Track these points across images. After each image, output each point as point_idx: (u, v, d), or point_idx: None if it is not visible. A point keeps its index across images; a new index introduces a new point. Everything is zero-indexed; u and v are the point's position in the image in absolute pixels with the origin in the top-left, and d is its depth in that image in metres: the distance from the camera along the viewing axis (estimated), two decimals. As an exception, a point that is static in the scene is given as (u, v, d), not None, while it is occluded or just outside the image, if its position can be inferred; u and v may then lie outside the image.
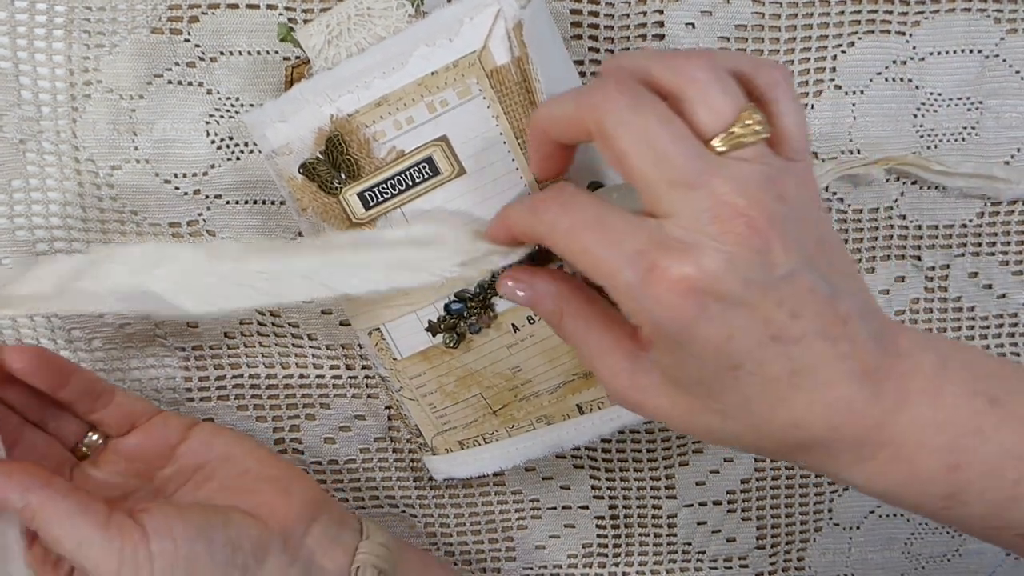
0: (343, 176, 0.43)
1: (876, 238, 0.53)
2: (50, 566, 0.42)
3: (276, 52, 0.48)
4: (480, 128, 0.42)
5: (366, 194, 0.43)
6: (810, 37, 0.50)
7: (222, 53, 0.48)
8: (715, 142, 0.33)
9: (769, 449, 0.37)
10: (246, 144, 0.49)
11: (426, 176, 0.43)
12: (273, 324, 0.52)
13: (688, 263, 0.32)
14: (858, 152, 0.51)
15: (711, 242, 0.32)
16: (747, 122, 0.33)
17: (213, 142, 0.49)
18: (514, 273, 0.41)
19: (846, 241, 0.53)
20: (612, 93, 0.34)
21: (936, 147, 0.52)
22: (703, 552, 0.58)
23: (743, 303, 0.33)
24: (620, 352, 0.38)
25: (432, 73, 0.41)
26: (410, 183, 0.43)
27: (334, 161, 0.43)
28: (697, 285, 0.32)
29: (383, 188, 0.43)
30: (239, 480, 0.46)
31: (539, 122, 0.38)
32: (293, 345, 0.52)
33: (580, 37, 0.49)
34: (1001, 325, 0.56)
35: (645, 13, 0.49)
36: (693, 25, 0.49)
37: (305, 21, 0.47)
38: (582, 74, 0.49)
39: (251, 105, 0.48)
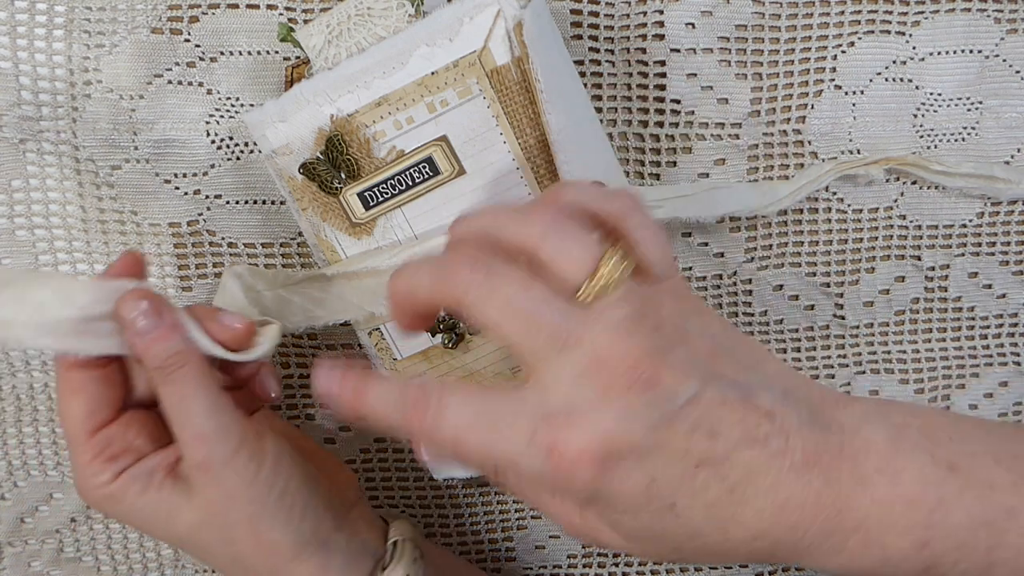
0: (343, 176, 0.43)
1: (876, 238, 0.53)
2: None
3: (276, 52, 0.48)
4: (480, 128, 0.42)
5: (366, 194, 0.43)
6: (810, 37, 0.50)
7: (222, 53, 0.48)
8: (580, 294, 0.33)
9: (745, 559, 0.36)
10: (246, 144, 0.49)
11: (426, 176, 0.43)
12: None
13: (584, 432, 0.32)
14: (858, 152, 0.51)
15: (599, 403, 0.32)
16: (608, 266, 0.33)
17: (213, 142, 0.49)
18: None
19: (846, 241, 0.53)
20: (464, 270, 0.33)
21: (936, 147, 0.52)
22: (703, 552, 0.58)
23: (654, 446, 0.32)
24: (566, 500, 0.35)
25: (432, 73, 0.41)
26: (410, 183, 0.43)
27: (334, 161, 0.43)
28: (600, 450, 0.31)
29: (383, 188, 0.43)
30: (304, 450, 0.46)
31: (399, 293, 0.36)
32: (293, 345, 0.52)
33: (580, 37, 0.49)
34: (1001, 325, 0.56)
35: (645, 13, 0.49)
36: (693, 25, 0.49)
37: (305, 21, 0.47)
38: (582, 74, 0.49)
39: (251, 105, 0.48)
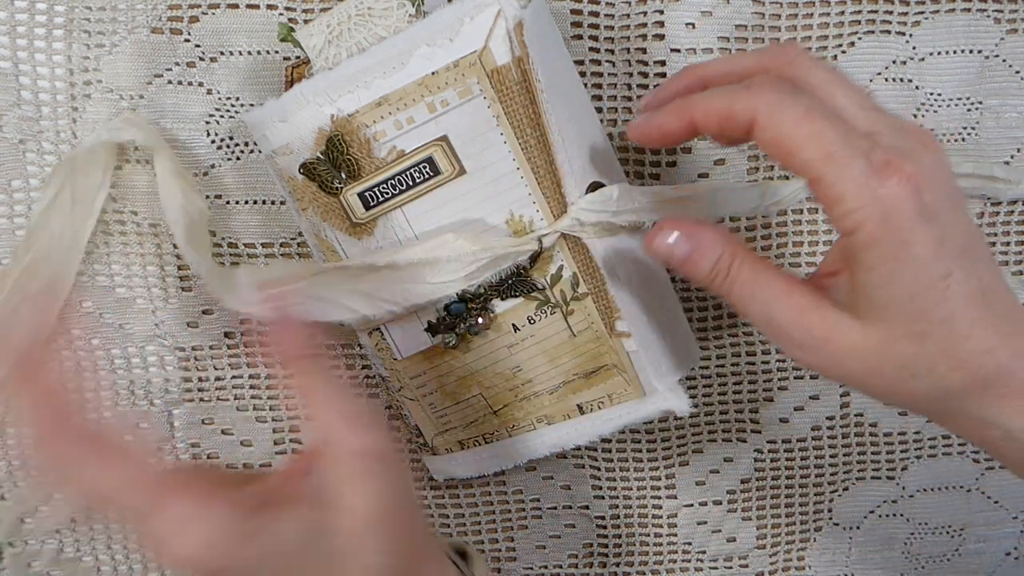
0: (343, 176, 0.43)
1: (876, 238, 0.53)
2: None
3: (276, 52, 0.48)
4: (481, 128, 0.42)
5: (366, 194, 0.43)
6: (810, 37, 0.50)
7: (222, 53, 0.48)
8: None
9: (956, 383, 0.36)
10: (246, 144, 0.49)
11: (427, 176, 0.43)
12: (273, 324, 0.52)
13: (913, 164, 0.34)
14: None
15: (921, 152, 0.35)
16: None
17: (213, 142, 0.49)
18: (673, 224, 0.39)
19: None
20: (767, 88, 0.35)
21: (936, 147, 0.52)
22: (703, 552, 0.58)
23: (945, 212, 0.34)
24: (803, 289, 0.37)
25: (433, 73, 0.41)
26: (411, 183, 0.43)
27: (334, 161, 0.43)
28: (921, 184, 0.34)
29: (383, 188, 0.43)
30: None
31: (696, 109, 0.37)
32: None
33: (580, 37, 0.49)
34: (1001, 325, 0.55)
35: (645, 13, 0.49)
36: (693, 25, 0.49)
37: (305, 21, 0.47)
38: (582, 74, 0.49)
39: (251, 105, 0.48)
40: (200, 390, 0.53)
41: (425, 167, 0.42)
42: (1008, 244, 0.54)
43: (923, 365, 0.36)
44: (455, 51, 0.41)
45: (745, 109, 0.35)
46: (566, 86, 0.44)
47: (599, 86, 0.50)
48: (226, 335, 0.52)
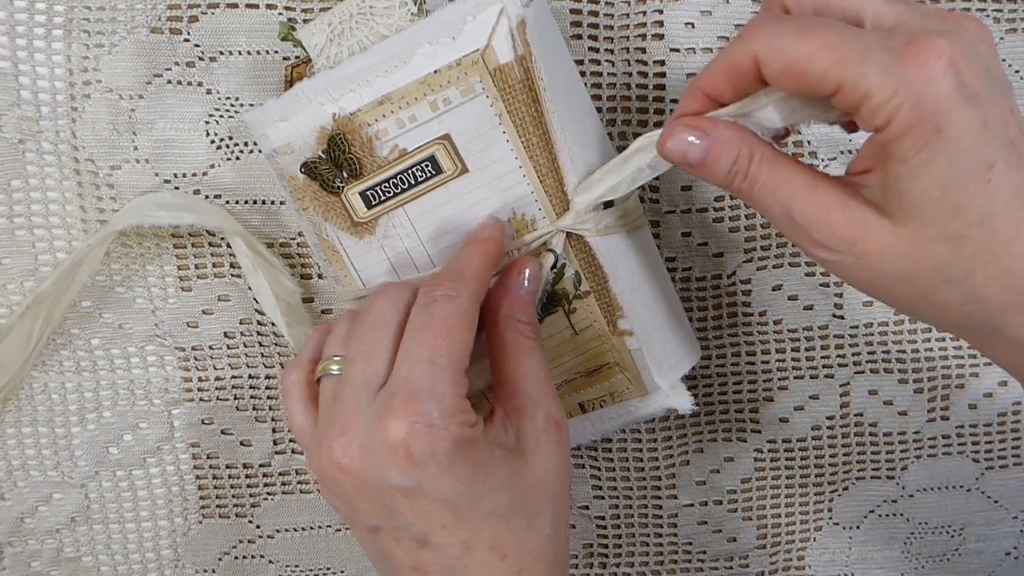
0: (345, 175, 0.43)
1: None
2: None
3: (275, 52, 0.48)
4: (483, 126, 0.42)
5: (368, 193, 0.43)
6: (810, 37, 0.50)
7: (221, 53, 0.48)
8: None
9: (994, 295, 0.33)
10: (246, 144, 0.49)
11: (428, 175, 0.42)
12: (273, 324, 0.52)
13: (945, 39, 0.31)
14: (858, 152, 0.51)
15: (958, 32, 0.32)
16: None
17: (213, 142, 0.49)
18: (689, 121, 0.37)
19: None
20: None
21: None
22: (704, 552, 0.58)
23: (987, 95, 0.32)
24: (829, 185, 0.35)
25: (435, 71, 0.41)
26: (412, 182, 0.43)
27: (336, 160, 0.43)
28: (956, 59, 0.31)
29: (385, 187, 0.43)
30: None
31: (702, 82, 0.37)
32: (293, 345, 0.52)
33: (580, 37, 0.49)
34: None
35: (645, 13, 0.49)
36: (693, 25, 0.49)
37: (305, 21, 0.47)
38: (582, 74, 0.49)
39: (251, 105, 0.48)
40: (200, 390, 0.53)
41: (427, 166, 0.42)
42: None
43: (960, 270, 0.33)
44: (458, 49, 0.41)
45: (744, 54, 0.34)
46: (567, 85, 0.44)
47: (599, 86, 0.50)
48: (226, 335, 0.52)
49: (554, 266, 0.44)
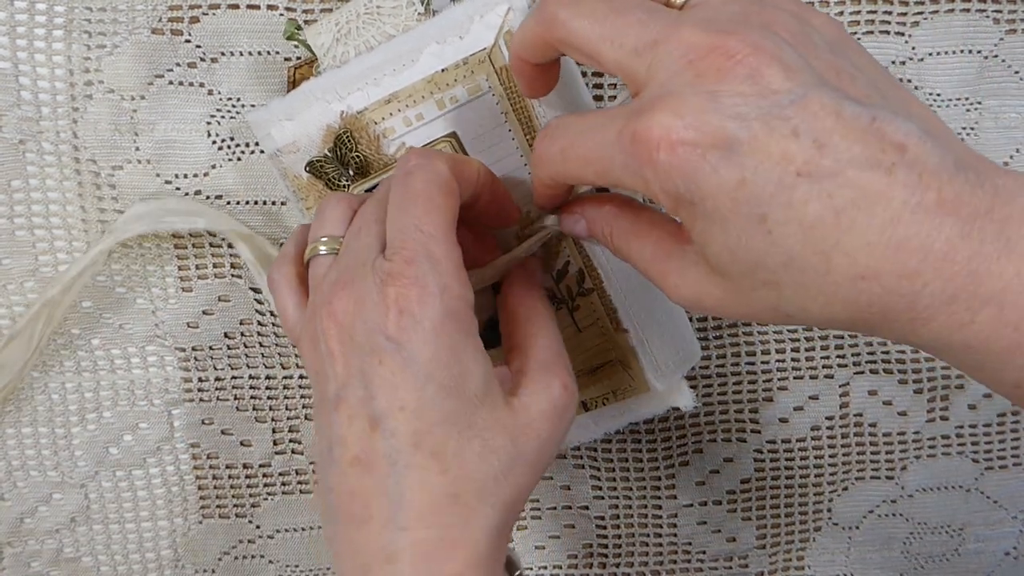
0: (351, 173, 0.43)
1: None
2: None
3: (277, 53, 0.48)
4: (489, 124, 0.42)
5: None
6: (810, 37, 0.50)
7: (223, 53, 0.48)
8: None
9: (844, 318, 0.31)
10: (247, 144, 0.49)
11: None
12: (273, 324, 0.52)
13: (666, 114, 0.30)
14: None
15: (686, 87, 0.30)
16: None
17: (214, 142, 0.49)
18: (569, 207, 0.39)
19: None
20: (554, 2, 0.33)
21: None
22: (703, 552, 0.58)
23: (745, 141, 0.29)
24: (667, 253, 0.35)
25: (442, 70, 0.41)
26: None
27: (342, 158, 0.43)
28: (683, 135, 0.29)
29: None
30: None
31: (514, 51, 0.37)
32: (293, 345, 0.52)
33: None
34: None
35: (646, 13, 0.49)
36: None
37: (306, 22, 0.47)
38: (583, 73, 0.49)
39: (252, 105, 0.48)
40: (200, 390, 0.53)
41: None
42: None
43: (793, 307, 0.32)
44: (465, 48, 0.41)
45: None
46: (571, 83, 0.44)
47: (599, 86, 0.50)
48: (226, 335, 0.52)
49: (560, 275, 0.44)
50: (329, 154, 0.43)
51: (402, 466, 0.35)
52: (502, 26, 0.41)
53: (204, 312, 0.52)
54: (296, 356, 0.53)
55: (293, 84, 0.44)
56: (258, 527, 0.55)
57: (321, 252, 0.39)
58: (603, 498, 0.57)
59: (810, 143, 0.29)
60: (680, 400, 0.47)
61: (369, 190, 0.43)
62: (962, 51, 0.51)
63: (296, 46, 0.45)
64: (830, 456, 0.57)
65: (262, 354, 0.52)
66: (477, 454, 0.36)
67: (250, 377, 0.53)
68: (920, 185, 0.29)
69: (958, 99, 0.52)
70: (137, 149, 0.48)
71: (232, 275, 0.51)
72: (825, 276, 0.30)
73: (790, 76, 0.29)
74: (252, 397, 0.53)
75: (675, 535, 0.58)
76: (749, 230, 0.30)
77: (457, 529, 0.35)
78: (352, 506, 0.36)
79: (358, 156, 0.43)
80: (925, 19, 0.50)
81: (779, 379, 0.55)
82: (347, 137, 0.42)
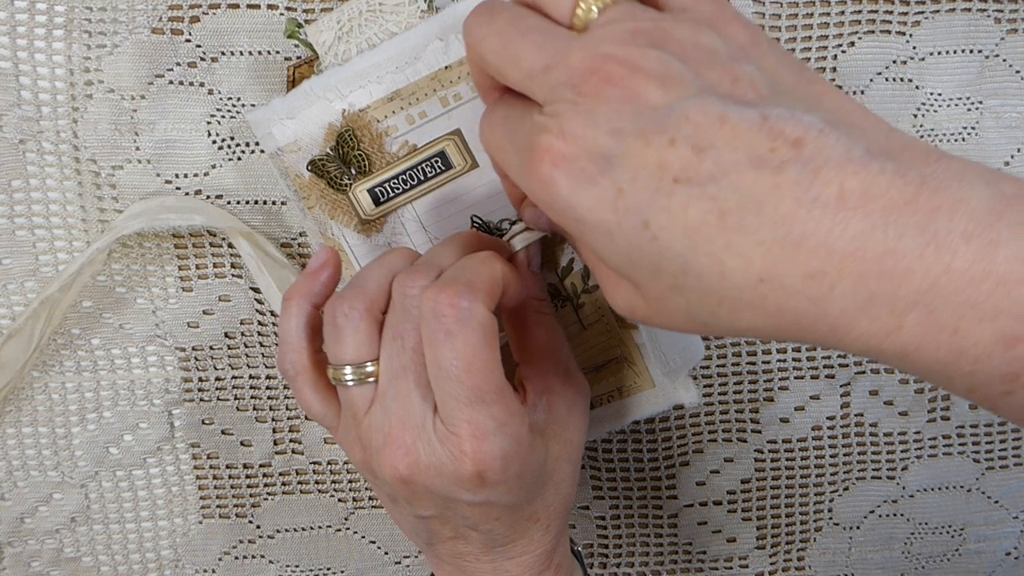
0: (353, 172, 0.43)
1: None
2: None
3: (277, 52, 0.48)
4: None
5: (376, 190, 0.43)
6: (810, 37, 0.50)
7: (223, 53, 0.48)
8: (574, 20, 0.32)
9: (760, 325, 0.30)
10: (247, 144, 0.49)
11: (438, 171, 0.43)
12: (273, 324, 0.52)
13: (551, 134, 0.31)
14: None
15: (569, 108, 0.30)
16: None
17: (215, 142, 0.49)
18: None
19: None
20: (471, 17, 0.34)
21: (936, 147, 0.52)
22: (704, 552, 0.58)
23: (620, 154, 0.30)
24: (601, 270, 0.35)
25: (446, 67, 0.41)
26: (422, 177, 0.43)
27: (344, 157, 0.43)
28: (564, 151, 0.30)
29: (394, 183, 0.43)
30: None
31: (472, 66, 0.38)
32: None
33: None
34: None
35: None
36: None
37: (306, 21, 0.47)
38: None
39: (252, 105, 0.48)
40: (200, 390, 0.53)
41: (437, 161, 0.42)
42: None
43: (705, 312, 0.31)
44: None
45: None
46: None
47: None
48: (226, 335, 0.52)
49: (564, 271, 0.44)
50: (331, 153, 0.43)
51: (502, 540, 0.41)
52: None
53: (204, 312, 0.52)
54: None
55: (293, 83, 0.44)
56: (258, 527, 0.55)
57: (349, 384, 0.39)
58: (603, 498, 0.57)
59: (688, 150, 0.29)
60: (686, 396, 0.47)
61: (372, 188, 0.43)
62: (963, 51, 0.51)
63: (296, 45, 0.45)
64: (831, 456, 0.57)
65: (262, 354, 0.52)
66: (552, 493, 0.41)
67: (250, 377, 0.53)
68: (817, 180, 0.28)
69: (959, 99, 0.52)
70: (137, 149, 0.48)
71: (233, 275, 0.51)
72: (722, 279, 0.29)
73: (669, 90, 0.29)
74: (252, 397, 0.53)
75: (675, 535, 0.58)
76: (635, 237, 0.30)
77: (551, 544, 0.42)
78: (457, 554, 0.42)
79: (360, 154, 0.43)
80: (926, 19, 0.50)
81: (780, 379, 0.55)
82: (349, 135, 0.42)
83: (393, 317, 0.38)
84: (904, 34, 0.51)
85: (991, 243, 0.26)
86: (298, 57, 0.47)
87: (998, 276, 0.26)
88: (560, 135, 0.30)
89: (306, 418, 0.54)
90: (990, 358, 0.27)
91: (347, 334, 0.39)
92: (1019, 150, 0.52)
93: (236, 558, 0.56)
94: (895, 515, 0.58)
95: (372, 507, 0.56)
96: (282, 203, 0.50)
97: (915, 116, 0.51)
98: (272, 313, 0.52)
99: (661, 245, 0.30)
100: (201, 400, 0.53)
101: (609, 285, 0.35)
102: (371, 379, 0.38)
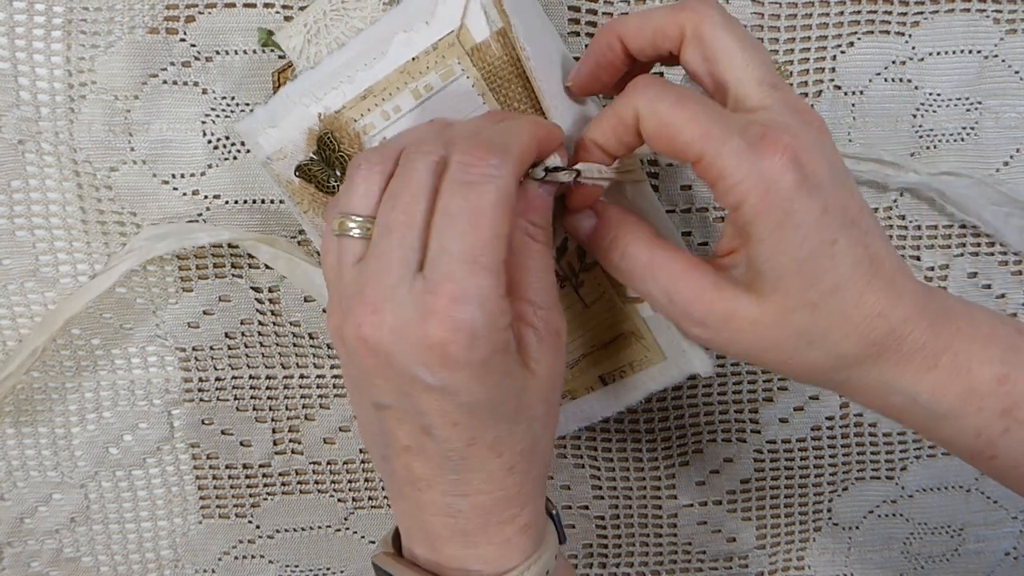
0: (339, 174, 0.43)
1: (876, 238, 0.53)
2: None
3: (272, 51, 0.47)
4: (468, 107, 0.41)
5: (364, 188, 0.43)
6: (810, 37, 0.50)
7: (217, 52, 0.48)
8: None
9: (851, 350, 0.37)
10: (242, 144, 0.49)
11: None
12: (274, 324, 0.52)
13: (791, 136, 0.35)
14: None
15: (802, 127, 0.36)
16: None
17: (210, 142, 0.49)
18: (581, 205, 0.41)
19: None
20: (707, 6, 0.38)
21: (935, 147, 0.52)
22: (703, 552, 0.58)
23: (828, 184, 0.36)
24: (702, 268, 0.38)
25: (413, 59, 0.41)
26: None
27: (328, 159, 0.43)
28: (800, 155, 0.35)
29: None
30: None
31: (618, 31, 0.40)
32: (293, 345, 0.52)
33: (578, 34, 0.49)
34: (1001, 325, 0.55)
35: (644, 12, 0.49)
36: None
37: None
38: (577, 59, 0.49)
39: (247, 104, 0.48)
40: (200, 390, 0.53)
41: None
42: (1007, 244, 0.54)
43: (819, 332, 0.37)
44: (432, 34, 0.40)
45: (627, 108, 0.37)
46: (551, 51, 0.43)
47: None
48: (226, 335, 0.52)
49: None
50: (315, 157, 0.43)
51: (457, 459, 0.38)
52: (467, 5, 0.40)
53: (204, 312, 0.52)
54: (296, 355, 0.53)
55: (277, 88, 0.44)
56: (258, 527, 0.56)
57: (353, 234, 0.37)
58: (603, 498, 0.57)
59: (857, 205, 0.37)
60: (699, 365, 0.46)
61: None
62: (962, 51, 0.51)
63: (268, 51, 0.45)
64: (830, 456, 0.57)
65: (262, 354, 0.53)
66: (523, 431, 0.39)
67: (250, 377, 0.53)
68: (900, 260, 0.38)
69: (958, 99, 0.51)
70: (132, 149, 0.48)
71: (233, 275, 0.51)
72: (857, 307, 0.36)
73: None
74: (252, 397, 0.53)
75: (675, 535, 0.58)
76: (821, 250, 0.36)
77: (514, 490, 0.39)
78: (412, 477, 0.39)
79: (343, 156, 0.42)
80: (925, 19, 0.50)
81: (779, 379, 0.55)
82: (329, 138, 0.42)
83: (395, 179, 0.37)
84: (903, 34, 0.50)
85: (972, 318, 0.39)
86: (280, 57, 0.47)
87: (984, 334, 0.38)
88: (798, 140, 0.35)
89: (306, 417, 0.54)
90: (990, 394, 0.38)
91: (356, 184, 0.38)
92: (1018, 150, 0.52)
93: (236, 558, 0.56)
94: (894, 515, 0.58)
95: (372, 507, 0.56)
96: (280, 202, 0.50)
97: (914, 116, 0.51)
98: (273, 313, 0.52)
99: (835, 264, 0.36)
100: (201, 400, 0.53)
101: (710, 287, 0.38)
102: (352, 232, 0.37)
